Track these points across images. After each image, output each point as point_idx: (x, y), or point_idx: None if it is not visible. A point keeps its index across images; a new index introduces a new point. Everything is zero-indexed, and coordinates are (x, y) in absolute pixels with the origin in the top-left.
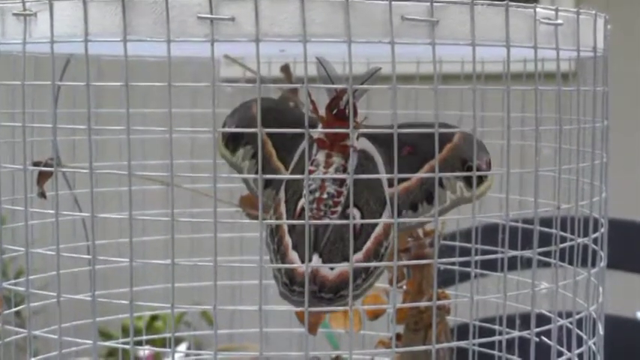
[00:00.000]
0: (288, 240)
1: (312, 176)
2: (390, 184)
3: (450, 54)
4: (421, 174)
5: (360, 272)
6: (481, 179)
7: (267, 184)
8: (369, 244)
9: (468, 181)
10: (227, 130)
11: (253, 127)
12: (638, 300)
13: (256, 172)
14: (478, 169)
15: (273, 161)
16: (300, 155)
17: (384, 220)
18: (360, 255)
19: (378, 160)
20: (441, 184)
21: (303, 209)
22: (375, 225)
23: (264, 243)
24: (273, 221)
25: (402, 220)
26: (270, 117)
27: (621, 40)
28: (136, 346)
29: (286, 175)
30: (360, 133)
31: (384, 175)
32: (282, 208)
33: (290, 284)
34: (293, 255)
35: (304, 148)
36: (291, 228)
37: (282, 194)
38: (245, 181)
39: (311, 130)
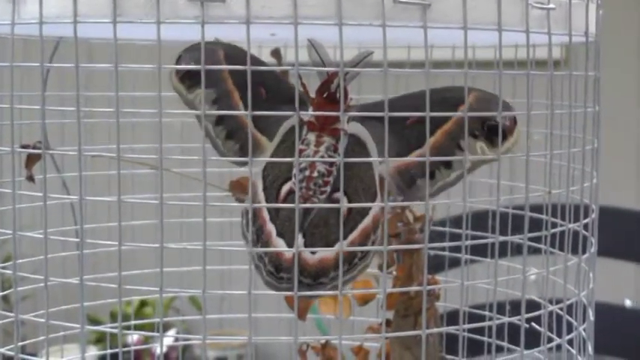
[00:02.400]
0: (270, 228)
1: (301, 159)
2: (399, 154)
3: (442, 39)
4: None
5: (343, 262)
6: (505, 135)
7: (230, 135)
8: (355, 234)
9: (489, 139)
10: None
11: (217, 72)
12: (627, 287)
13: (217, 121)
14: (502, 127)
15: (239, 115)
16: (284, 136)
17: (375, 204)
18: (344, 245)
19: (372, 146)
20: (459, 147)
21: (289, 193)
22: (364, 216)
23: (241, 232)
24: (262, 205)
25: (393, 204)
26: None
27: (613, 26)
28: (124, 331)
29: (274, 158)
30: (352, 118)
31: (376, 160)
32: (261, 196)
33: (277, 272)
34: (278, 242)
35: (289, 128)
36: (274, 215)
37: (259, 181)
38: (204, 124)
39: (301, 112)
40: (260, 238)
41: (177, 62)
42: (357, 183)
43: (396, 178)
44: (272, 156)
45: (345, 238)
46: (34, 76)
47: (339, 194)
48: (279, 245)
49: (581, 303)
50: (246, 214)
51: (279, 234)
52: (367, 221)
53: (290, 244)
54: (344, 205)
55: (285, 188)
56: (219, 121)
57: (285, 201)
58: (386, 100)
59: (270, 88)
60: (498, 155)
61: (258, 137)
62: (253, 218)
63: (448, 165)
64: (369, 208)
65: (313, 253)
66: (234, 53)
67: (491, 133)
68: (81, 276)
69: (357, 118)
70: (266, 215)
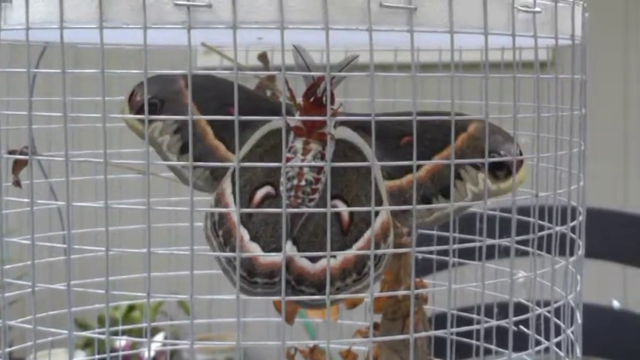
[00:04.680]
0: (243, 232)
1: (289, 164)
2: (391, 176)
3: (428, 42)
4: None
5: (351, 272)
6: (509, 171)
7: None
8: (360, 243)
9: (493, 172)
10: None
11: (178, 101)
12: (614, 289)
13: (182, 150)
14: (506, 161)
15: (208, 139)
16: (261, 140)
17: (365, 208)
18: (350, 254)
19: (368, 152)
20: (458, 176)
21: (265, 198)
22: (370, 224)
23: (205, 236)
24: (250, 210)
25: (387, 208)
26: (207, 94)
27: (599, 28)
28: (112, 337)
29: (265, 164)
30: (341, 123)
31: (365, 164)
32: (229, 199)
33: (250, 277)
34: (252, 246)
35: (268, 132)
36: (247, 219)
37: (226, 184)
38: (165, 157)
39: (288, 117)
40: (228, 241)
41: (131, 97)
42: (358, 190)
43: (388, 200)
44: (245, 159)
45: (349, 246)
46: (20, 81)
47: (336, 201)
48: (253, 249)
49: (568, 305)
50: (210, 216)
51: (254, 238)
52: (374, 228)
53: (265, 249)
54: (330, 209)
55: (260, 193)
56: (184, 149)
57: (260, 205)
58: (372, 103)
59: (242, 108)
60: (514, 190)
61: (229, 156)
62: (221, 221)
63: (445, 194)
64: (375, 216)
65: (314, 262)
66: (197, 81)
67: (495, 166)
68: (68, 281)
69: (350, 127)
70: (236, 219)
